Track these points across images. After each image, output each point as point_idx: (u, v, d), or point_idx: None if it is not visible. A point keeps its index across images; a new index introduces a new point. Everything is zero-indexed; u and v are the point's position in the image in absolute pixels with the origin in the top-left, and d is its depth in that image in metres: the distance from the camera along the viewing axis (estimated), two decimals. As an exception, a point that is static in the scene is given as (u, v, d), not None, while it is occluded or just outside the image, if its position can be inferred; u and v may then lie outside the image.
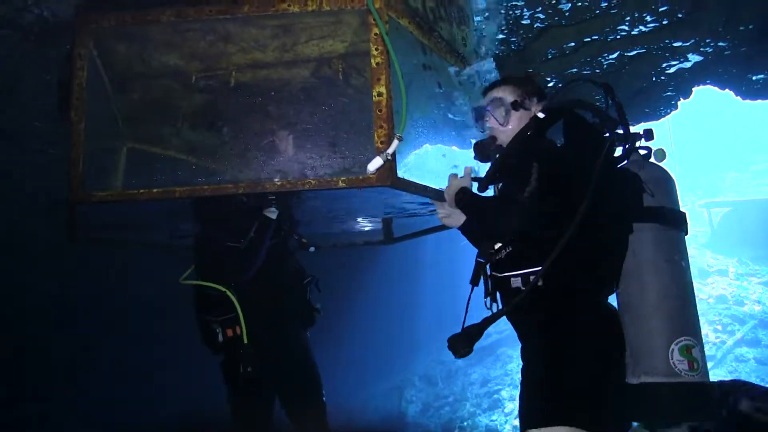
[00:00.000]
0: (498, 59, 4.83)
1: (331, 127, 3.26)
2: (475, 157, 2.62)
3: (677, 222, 2.25)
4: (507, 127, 2.55)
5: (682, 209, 2.30)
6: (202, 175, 4.53)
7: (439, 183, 2.75)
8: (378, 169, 2.45)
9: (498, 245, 2.36)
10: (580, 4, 4.10)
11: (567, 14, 4.23)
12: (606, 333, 2.21)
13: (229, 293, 3.42)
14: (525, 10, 4.14)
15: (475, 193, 2.49)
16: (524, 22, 4.31)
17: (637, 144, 2.38)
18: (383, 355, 12.50)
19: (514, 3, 4.05)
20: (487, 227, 2.39)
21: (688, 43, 4.87)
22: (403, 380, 12.76)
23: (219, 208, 3.39)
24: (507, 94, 2.57)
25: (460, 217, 2.64)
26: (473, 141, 2.69)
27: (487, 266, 2.42)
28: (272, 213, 3.45)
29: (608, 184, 2.20)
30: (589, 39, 4.65)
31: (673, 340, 2.07)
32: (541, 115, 2.44)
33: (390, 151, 2.44)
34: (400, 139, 2.46)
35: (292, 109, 3.47)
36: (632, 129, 2.37)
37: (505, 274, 2.30)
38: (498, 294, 2.40)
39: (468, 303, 2.42)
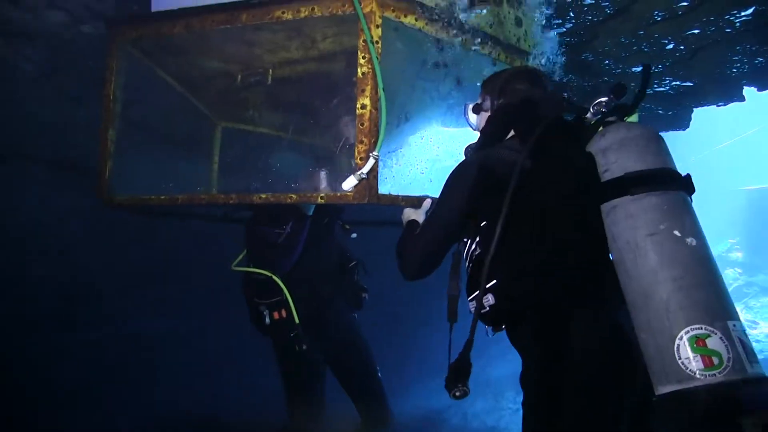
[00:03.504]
0: (591, 26, 4.27)
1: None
2: None
3: (656, 184, 1.68)
4: (478, 132, 2.30)
5: (667, 166, 1.73)
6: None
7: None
8: (354, 187, 2.36)
9: (467, 258, 2.07)
10: (679, -40, 3.39)
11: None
12: (593, 354, 1.75)
13: (275, 278, 3.59)
14: (608, -28, 3.55)
15: (410, 230, 2.27)
16: (613, -16, 3.71)
17: (599, 108, 1.92)
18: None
19: (592, -34, 3.49)
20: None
21: None
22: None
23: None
24: (476, 99, 2.32)
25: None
26: None
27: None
28: (309, 208, 3.49)
29: (545, 173, 1.85)
30: (706, -4, 3.86)
31: (676, 334, 1.54)
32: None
33: (365, 170, 2.32)
34: (377, 158, 2.32)
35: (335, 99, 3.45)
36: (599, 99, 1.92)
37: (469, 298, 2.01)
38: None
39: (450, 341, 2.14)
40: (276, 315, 3.68)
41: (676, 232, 1.59)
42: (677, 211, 1.64)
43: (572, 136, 1.91)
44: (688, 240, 1.59)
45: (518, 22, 3.23)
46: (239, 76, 3.47)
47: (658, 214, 1.62)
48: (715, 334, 1.50)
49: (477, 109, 2.28)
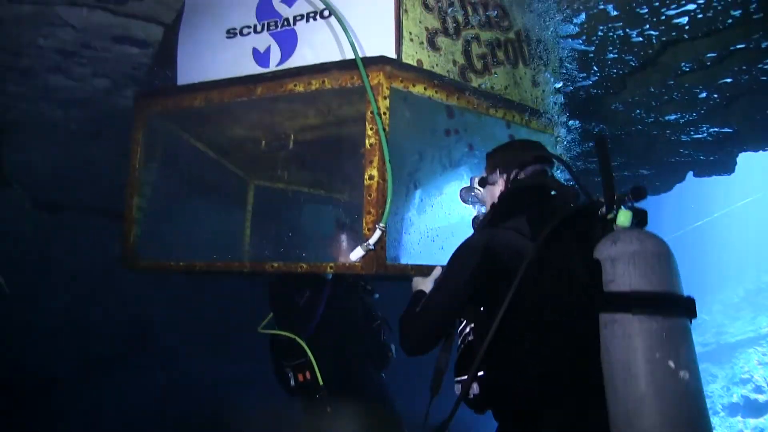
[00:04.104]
0: (618, 77, 4.24)
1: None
2: None
3: (659, 309, 1.63)
4: (486, 203, 2.30)
5: (673, 290, 1.68)
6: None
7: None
8: (362, 258, 2.37)
9: (460, 338, 2.08)
10: (701, 15, 3.34)
11: (687, 28, 3.48)
12: None
13: (299, 340, 3.59)
14: (628, 29, 3.52)
15: (414, 303, 2.23)
16: (635, 40, 3.67)
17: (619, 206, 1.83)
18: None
19: (611, 25, 3.47)
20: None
21: None
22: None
23: None
24: (481, 173, 2.32)
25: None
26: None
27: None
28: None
29: (549, 271, 1.82)
30: (735, 48, 3.77)
31: None
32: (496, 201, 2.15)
33: (372, 241, 2.33)
34: (383, 230, 2.33)
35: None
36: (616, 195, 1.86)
37: (455, 378, 2.02)
38: None
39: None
40: (301, 377, 3.66)
41: (671, 363, 1.57)
42: (675, 340, 1.62)
43: (582, 233, 1.87)
44: (681, 373, 1.57)
45: (535, 83, 3.23)
46: (263, 141, 3.57)
47: (656, 342, 1.60)
48: None
49: (483, 183, 2.26)
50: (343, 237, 3.48)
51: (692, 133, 5.45)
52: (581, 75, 4.19)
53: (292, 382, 3.72)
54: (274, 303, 3.85)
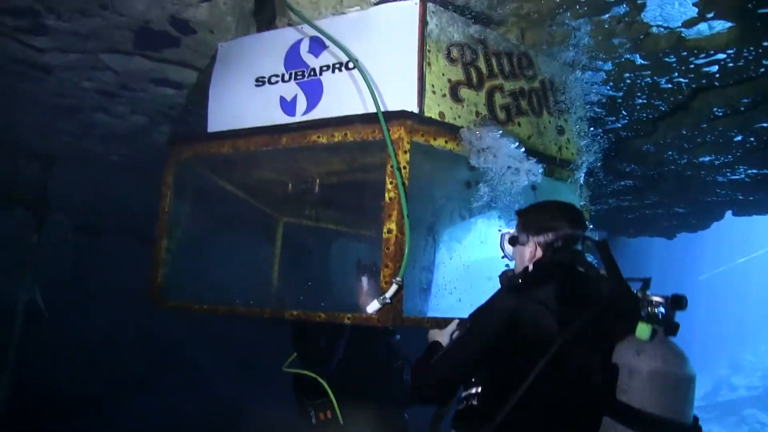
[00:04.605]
0: (648, 121, 4.19)
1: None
2: None
3: None
4: (515, 261, 2.30)
5: (682, 419, 1.68)
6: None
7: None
8: (378, 311, 2.38)
9: (464, 394, 2.07)
10: (732, 65, 3.29)
11: (717, 76, 3.43)
12: None
13: (320, 380, 3.62)
14: (656, 77, 3.49)
15: (429, 354, 2.22)
16: (664, 87, 3.63)
17: (654, 311, 1.79)
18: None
19: (638, 73, 3.45)
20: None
21: None
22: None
23: None
24: (512, 229, 2.33)
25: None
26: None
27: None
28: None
29: (576, 363, 1.82)
30: (770, 94, 3.69)
31: None
32: (530, 268, 2.11)
33: (388, 295, 2.34)
34: (400, 284, 2.35)
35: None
36: (654, 296, 1.83)
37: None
38: None
39: None
40: (322, 416, 3.69)
41: None
42: None
43: (606, 325, 1.85)
44: None
45: (560, 131, 3.21)
46: (290, 185, 3.65)
47: None
48: None
49: (513, 242, 2.26)
50: (364, 279, 3.51)
51: (728, 174, 5.32)
52: (610, 118, 4.16)
53: (313, 420, 3.74)
54: (295, 342, 3.89)
